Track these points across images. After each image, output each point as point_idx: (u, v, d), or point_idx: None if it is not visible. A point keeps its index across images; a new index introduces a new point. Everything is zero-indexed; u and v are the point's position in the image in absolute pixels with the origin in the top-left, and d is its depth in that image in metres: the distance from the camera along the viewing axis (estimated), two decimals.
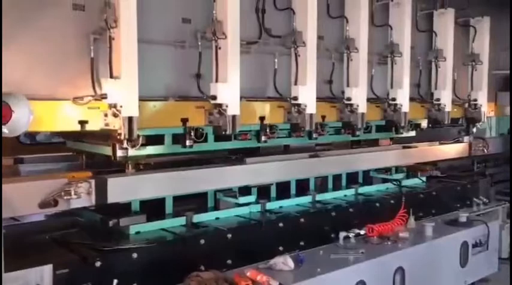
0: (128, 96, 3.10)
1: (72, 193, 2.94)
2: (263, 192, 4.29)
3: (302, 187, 4.67)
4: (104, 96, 3.09)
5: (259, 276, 3.16)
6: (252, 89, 4.03)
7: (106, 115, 3.12)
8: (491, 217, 5.24)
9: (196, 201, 4.00)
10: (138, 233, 3.50)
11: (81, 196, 3.00)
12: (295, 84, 4.22)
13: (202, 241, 3.49)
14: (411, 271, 4.00)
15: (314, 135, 4.50)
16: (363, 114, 4.62)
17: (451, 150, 5.74)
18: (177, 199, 3.82)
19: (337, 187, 4.97)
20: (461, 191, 5.72)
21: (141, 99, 3.20)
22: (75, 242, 3.26)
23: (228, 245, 3.64)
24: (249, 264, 3.40)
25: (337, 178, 4.99)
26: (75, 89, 3.11)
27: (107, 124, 3.14)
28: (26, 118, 2.55)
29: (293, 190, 4.62)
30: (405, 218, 4.42)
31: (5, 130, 2.41)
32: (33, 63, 2.98)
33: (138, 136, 3.18)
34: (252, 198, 4.09)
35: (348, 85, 4.68)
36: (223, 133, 3.61)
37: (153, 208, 3.68)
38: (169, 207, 3.81)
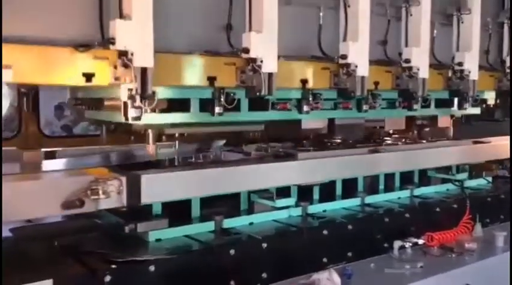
0: (140, 40, 2.62)
1: (100, 192, 2.56)
2: (304, 193, 3.76)
3: (349, 187, 4.10)
4: (111, 41, 2.60)
5: None
6: (292, 47, 3.46)
7: (115, 67, 2.66)
8: None
9: (227, 203, 3.50)
10: (158, 240, 3.05)
11: (111, 196, 2.61)
12: (344, 40, 3.64)
13: (232, 251, 3.01)
14: None
15: (364, 107, 3.94)
16: (424, 79, 3.98)
17: None
18: (204, 200, 3.34)
19: (389, 187, 4.39)
20: None
21: (158, 51, 2.75)
22: (85, 251, 2.83)
23: (264, 255, 3.14)
24: (288, 278, 2.93)
25: (389, 177, 4.41)
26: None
27: (117, 78, 2.67)
28: None
29: (339, 191, 4.06)
30: (470, 225, 3.81)
31: None
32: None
33: (154, 92, 2.73)
34: (291, 201, 3.57)
35: (406, 45, 4.05)
36: (257, 94, 3.11)
37: (177, 211, 3.20)
38: (195, 210, 3.33)
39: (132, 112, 2.72)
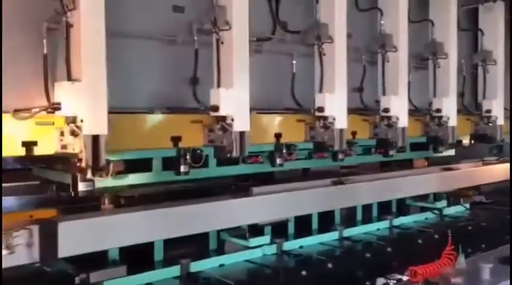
0: (91, 104, 2.36)
1: (3, 246, 2.18)
2: (279, 228, 3.54)
3: (326, 220, 3.91)
4: (56, 106, 2.33)
5: None
6: (264, 98, 3.38)
7: (62, 133, 2.37)
8: None
9: (194, 243, 3.21)
10: None
11: (16, 251, 2.21)
12: (320, 91, 3.51)
13: None
14: None
15: (340, 156, 3.77)
16: (403, 128, 3.93)
17: (498, 171, 4.92)
18: (169, 241, 3.03)
19: (367, 218, 4.25)
20: None
21: (116, 112, 2.54)
22: None
23: None
24: None
25: (367, 207, 4.27)
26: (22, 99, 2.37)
27: (64, 146, 2.40)
28: None
29: (315, 225, 3.87)
30: (453, 256, 3.57)
31: None
32: None
33: (108, 162, 2.41)
34: (265, 239, 3.37)
35: (384, 94, 3.99)
36: (228, 155, 2.92)
37: (137, 255, 2.89)
38: (158, 252, 3.04)
39: (81, 186, 2.44)
